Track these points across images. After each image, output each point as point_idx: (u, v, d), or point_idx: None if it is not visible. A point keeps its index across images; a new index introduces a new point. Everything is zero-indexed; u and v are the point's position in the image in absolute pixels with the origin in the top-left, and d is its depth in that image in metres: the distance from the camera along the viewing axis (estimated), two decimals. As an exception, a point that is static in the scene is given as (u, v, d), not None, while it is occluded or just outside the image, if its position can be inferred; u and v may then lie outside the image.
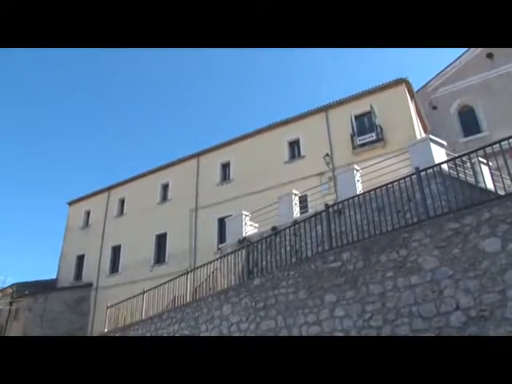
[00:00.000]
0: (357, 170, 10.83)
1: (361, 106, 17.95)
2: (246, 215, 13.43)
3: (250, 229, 13.19)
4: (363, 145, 17.07)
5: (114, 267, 22.16)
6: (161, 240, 21.52)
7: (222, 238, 18.20)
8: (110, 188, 25.02)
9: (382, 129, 16.98)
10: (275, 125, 20.31)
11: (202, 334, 8.05)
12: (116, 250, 22.59)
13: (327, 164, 17.02)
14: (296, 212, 12.13)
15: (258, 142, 20.42)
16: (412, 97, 17.98)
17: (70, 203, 26.47)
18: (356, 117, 18.10)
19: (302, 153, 18.91)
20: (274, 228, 11.63)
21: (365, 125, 17.91)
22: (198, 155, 22.46)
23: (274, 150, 19.65)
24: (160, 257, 21.12)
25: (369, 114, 17.63)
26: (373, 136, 16.92)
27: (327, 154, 17.09)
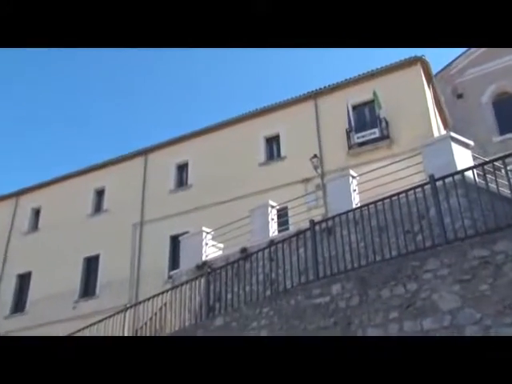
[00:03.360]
0: (353, 177, 10.88)
1: (361, 93, 18.20)
2: (208, 233, 13.40)
3: (212, 251, 13.18)
4: (363, 144, 17.27)
5: (20, 304, 21.05)
6: (91, 265, 21.04)
7: (174, 262, 18.01)
8: (18, 193, 23.88)
9: (387, 123, 17.20)
10: (249, 115, 20.38)
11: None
12: (23, 280, 21.53)
13: (315, 168, 17.15)
14: (273, 230, 12.14)
15: (225, 138, 20.50)
16: (430, 81, 18.33)
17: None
18: (354, 107, 18.30)
19: (283, 152, 19.02)
20: (243, 250, 11.65)
21: (365, 117, 18.15)
22: (145, 152, 22.33)
23: (246, 147, 19.76)
24: (89, 288, 20.66)
25: (371, 104, 17.87)
26: (375, 132, 17.12)
27: (315, 155, 17.22)
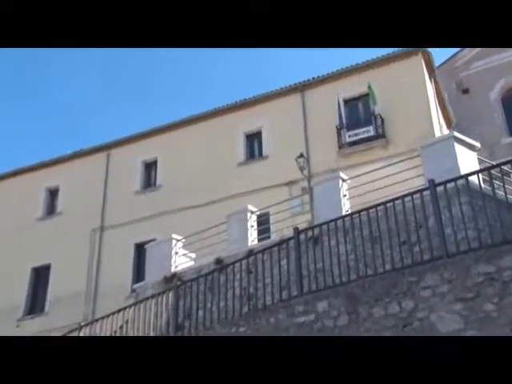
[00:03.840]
0: (343, 180, 10.94)
1: (354, 86, 18.37)
2: (178, 240, 13.38)
3: (182, 261, 13.16)
4: (355, 143, 17.43)
5: None
6: (40, 276, 20.67)
7: (139, 273, 17.91)
8: None
9: (383, 120, 17.39)
10: (227, 108, 20.42)
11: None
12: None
13: (301, 169, 17.24)
14: (252, 238, 12.15)
15: (200, 133, 20.52)
16: (432, 74, 18.58)
17: None
18: (346, 101, 18.44)
19: (265, 151, 19.08)
20: (218, 261, 11.64)
21: (358, 114, 18.33)
22: (107, 148, 22.17)
23: (223, 145, 19.78)
24: (36, 303, 20.30)
25: (365, 98, 18.04)
26: (369, 131, 17.31)
27: (301, 155, 17.32)
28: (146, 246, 14.40)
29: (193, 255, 13.38)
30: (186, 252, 13.38)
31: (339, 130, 17.83)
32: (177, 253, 13.18)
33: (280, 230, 12.50)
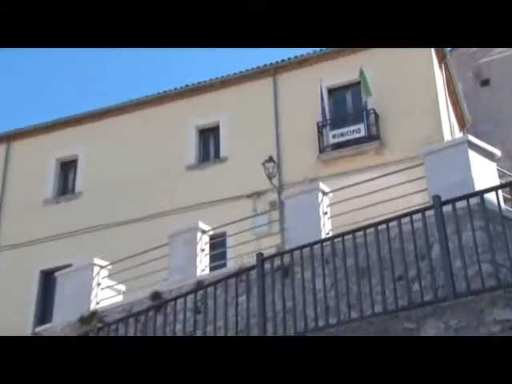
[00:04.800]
0: (324, 193, 10.93)
1: (341, 71, 18.60)
2: (102, 267, 13.21)
3: (107, 295, 13.00)
4: (340, 145, 17.64)
5: None
6: None
7: (45, 311, 17.57)
8: None
9: (377, 117, 17.68)
10: (175, 94, 20.58)
11: None
12: None
13: (269, 177, 17.26)
14: (203, 266, 12.06)
15: (137, 125, 20.56)
16: (442, 60, 19.02)
17: None
18: (331, 90, 18.66)
19: (224, 152, 19.19)
20: (155, 295, 11.58)
21: (346, 107, 18.62)
22: (7, 138, 22.11)
23: (168, 142, 19.82)
24: None
25: (355, 88, 18.32)
26: (360, 130, 17.55)
27: (270, 159, 17.37)
28: (56, 274, 14.12)
29: (121, 287, 13.25)
30: (111, 283, 13.20)
31: (321, 127, 18.04)
32: (99, 284, 12.99)
33: (240, 256, 12.46)
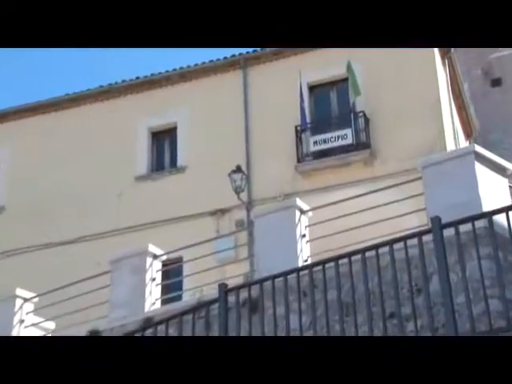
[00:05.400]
0: (302, 212, 10.92)
1: (325, 65, 18.67)
2: (27, 300, 13.02)
3: (32, 334, 12.70)
4: (323, 154, 17.77)
5: None
6: None
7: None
8: None
9: (367, 121, 17.85)
10: (121, 87, 20.61)
11: None
12: None
13: (236, 192, 17.25)
14: (153, 299, 12.01)
15: (72, 125, 20.49)
16: (446, 54, 19.25)
17: None
18: (312, 88, 18.86)
19: (182, 160, 19.28)
20: (93, 333, 11.52)
21: (330, 108, 18.77)
22: None
23: (113, 145, 19.78)
24: None
25: (341, 85, 18.53)
26: (346, 136, 17.67)
27: (238, 169, 17.40)
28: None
29: (50, 325, 13.08)
30: (38, 320, 13.02)
31: (299, 132, 18.16)
32: (22, 321, 12.80)
33: (199, 286, 12.44)
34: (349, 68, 17.80)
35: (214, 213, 17.92)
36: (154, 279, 12.18)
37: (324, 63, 18.74)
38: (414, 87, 17.90)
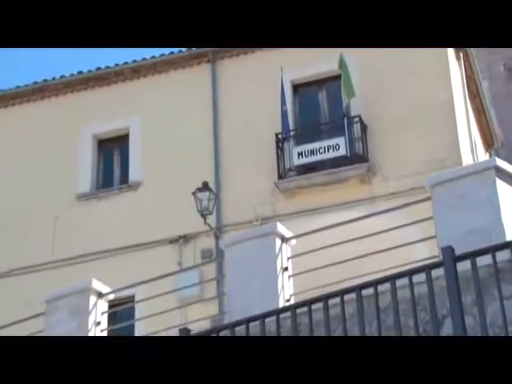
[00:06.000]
0: (284, 240, 10.88)
1: (312, 59, 18.67)
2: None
3: None
4: (310, 168, 17.82)
5: None
6: None
7: None
8: None
9: (365, 128, 17.88)
10: (59, 84, 20.64)
11: None
12: None
13: (202, 214, 17.33)
14: (98, 346, 11.88)
15: (3, 127, 20.57)
16: (460, 49, 19.21)
17: None
18: (297, 87, 19.02)
19: (135, 174, 19.27)
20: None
21: (318, 112, 18.86)
22: None
23: (48, 156, 19.80)
24: None
25: (333, 83, 18.61)
26: (338, 147, 17.66)
27: (205, 186, 17.47)
28: None
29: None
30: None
31: (281, 141, 18.16)
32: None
33: (155, 332, 12.35)
34: (341, 63, 17.81)
35: (174, 240, 17.90)
36: (98, 323, 12.10)
37: (311, 57, 18.58)
38: (422, 86, 17.99)
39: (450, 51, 18.70)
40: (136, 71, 20.23)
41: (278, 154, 18.17)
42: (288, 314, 8.01)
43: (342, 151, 17.67)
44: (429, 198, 10.01)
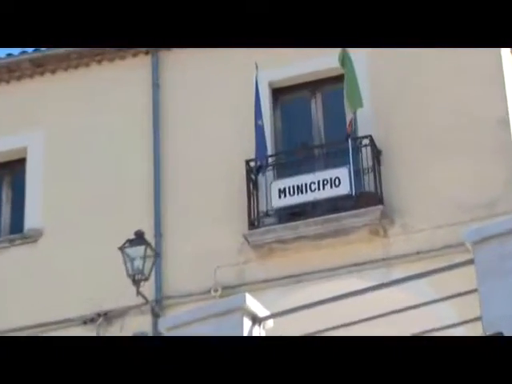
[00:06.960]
0: (257, 321, 10.47)
1: (299, 55, 18.46)
2: None
3: None
4: (297, 213, 17.68)
5: None
6: None
7: None
8: None
9: (378, 153, 17.79)
10: None
11: None
12: None
13: (134, 280, 17.04)
14: None
15: None
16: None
17: None
18: (277, 91, 18.98)
19: (32, 220, 19.14)
20: None
21: (309, 128, 18.77)
22: None
23: None
24: None
25: (331, 88, 18.54)
26: (338, 182, 17.49)
27: (139, 237, 17.24)
28: None
29: None
30: None
31: (254, 173, 17.97)
32: None
33: None
34: (343, 60, 17.59)
35: (90, 320, 17.56)
36: None
37: (298, 51, 17.97)
38: (462, 97, 17.87)
39: (506, 52, 18.50)
40: (39, 65, 20.05)
41: (249, 190, 17.93)
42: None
43: (345, 188, 17.48)
44: (471, 261, 9.53)
